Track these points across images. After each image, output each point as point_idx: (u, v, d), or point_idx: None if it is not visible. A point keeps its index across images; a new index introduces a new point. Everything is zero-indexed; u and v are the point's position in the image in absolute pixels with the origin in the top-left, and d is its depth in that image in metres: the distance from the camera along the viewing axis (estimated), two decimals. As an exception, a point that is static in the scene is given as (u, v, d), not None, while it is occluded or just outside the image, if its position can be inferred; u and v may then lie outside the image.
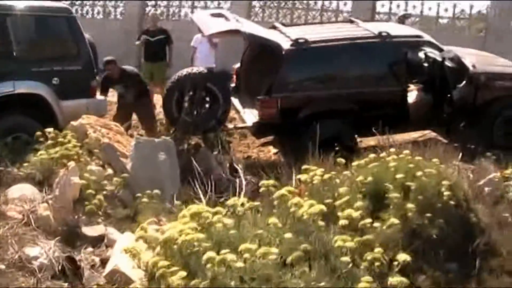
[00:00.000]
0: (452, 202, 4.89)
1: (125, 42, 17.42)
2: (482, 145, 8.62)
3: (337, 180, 5.20)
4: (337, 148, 8.16)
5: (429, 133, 10.27)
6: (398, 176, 4.89)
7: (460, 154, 7.32)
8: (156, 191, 5.96)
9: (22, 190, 5.80)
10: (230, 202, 4.57)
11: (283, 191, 4.51)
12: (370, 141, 9.29)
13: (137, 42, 13.05)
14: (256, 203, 4.58)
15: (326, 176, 5.11)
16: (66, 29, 8.60)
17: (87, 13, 18.57)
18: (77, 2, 18.65)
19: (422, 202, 4.70)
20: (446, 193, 4.80)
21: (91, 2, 18.55)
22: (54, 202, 5.68)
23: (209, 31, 9.17)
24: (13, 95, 8.19)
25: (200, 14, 10.38)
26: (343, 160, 5.75)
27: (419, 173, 4.85)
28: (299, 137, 8.66)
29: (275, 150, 10.20)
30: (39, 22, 8.57)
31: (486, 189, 6.13)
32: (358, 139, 9.25)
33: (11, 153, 7.26)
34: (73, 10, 17.46)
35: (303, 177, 5.10)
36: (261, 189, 4.92)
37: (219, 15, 9.63)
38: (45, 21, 8.57)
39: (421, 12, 14.98)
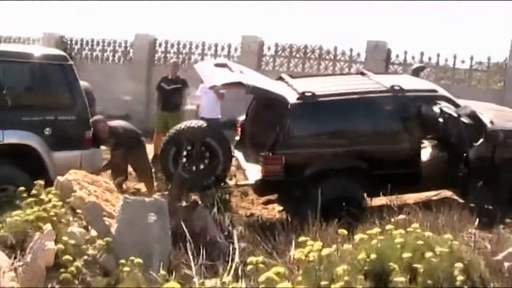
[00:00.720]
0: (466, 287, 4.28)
1: (133, 87, 17.22)
2: (500, 206, 8.02)
3: (336, 256, 4.61)
4: (344, 209, 7.80)
5: (443, 192, 9.71)
6: (405, 255, 4.31)
7: (477, 220, 6.80)
8: (138, 260, 5.39)
9: (-14, 257, 5.28)
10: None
11: (271, 273, 3.94)
12: (380, 199, 8.78)
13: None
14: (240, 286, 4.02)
15: (325, 251, 4.53)
16: (61, 77, 8.23)
17: (96, 58, 18.40)
18: (87, 47, 18.53)
19: (432, 287, 4.10)
20: (459, 277, 4.20)
21: (100, 47, 18.38)
22: (24, 270, 5.15)
23: (211, 83, 8.73)
24: (2, 145, 7.76)
25: (203, 64, 9.98)
26: (345, 232, 5.18)
27: (428, 254, 4.25)
28: (304, 197, 8.13)
29: (280, 208, 9.66)
30: (33, 69, 8.19)
31: (506, 264, 5.53)
32: (367, 199, 8.66)
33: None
34: (72, 58, 17.51)
35: (297, 254, 4.52)
36: (249, 267, 4.36)
37: (223, 65, 9.21)
38: (39, 68, 8.18)
39: (437, 63, 14.50)
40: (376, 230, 4.80)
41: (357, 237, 4.89)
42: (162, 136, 11.72)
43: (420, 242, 4.48)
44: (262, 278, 3.95)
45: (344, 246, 4.94)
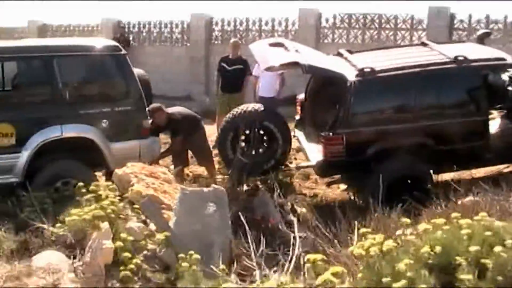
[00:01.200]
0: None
1: (191, 68, 17.21)
2: None
3: (399, 249, 4.37)
4: (409, 189, 7.54)
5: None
6: (472, 248, 4.04)
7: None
8: (196, 256, 5.30)
9: (48, 258, 5.26)
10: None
11: (328, 274, 3.75)
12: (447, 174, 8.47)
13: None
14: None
15: (386, 246, 4.30)
16: (115, 68, 8.15)
17: (154, 40, 18.44)
18: (144, 30, 18.59)
19: (503, 284, 3.82)
20: (533, 274, 3.90)
21: (158, 29, 18.39)
22: (84, 270, 5.14)
23: (266, 64, 8.51)
24: (61, 139, 7.79)
25: (257, 44, 9.73)
26: (408, 221, 4.95)
27: (497, 248, 3.95)
28: (368, 176, 7.89)
29: (344, 186, 9.44)
30: (87, 61, 8.13)
31: None
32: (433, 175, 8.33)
33: (56, 203, 6.86)
34: (129, 42, 17.56)
35: (357, 250, 4.30)
36: (307, 265, 4.19)
37: (278, 45, 8.98)
38: (93, 60, 8.11)
39: (505, 26, 13.78)
40: (441, 220, 4.52)
41: (421, 227, 4.63)
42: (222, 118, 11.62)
43: (488, 233, 4.19)
44: (319, 280, 3.78)
45: (408, 236, 4.68)
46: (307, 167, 8.88)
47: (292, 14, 16.18)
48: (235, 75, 11.98)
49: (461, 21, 14.09)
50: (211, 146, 9.87)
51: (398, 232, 5.23)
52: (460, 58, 8.30)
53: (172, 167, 9.33)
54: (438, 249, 4.19)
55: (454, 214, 4.68)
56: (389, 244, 4.32)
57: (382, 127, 8.18)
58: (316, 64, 8.25)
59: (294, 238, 5.98)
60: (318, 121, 9.13)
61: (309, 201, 8.99)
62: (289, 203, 8.01)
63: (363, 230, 4.71)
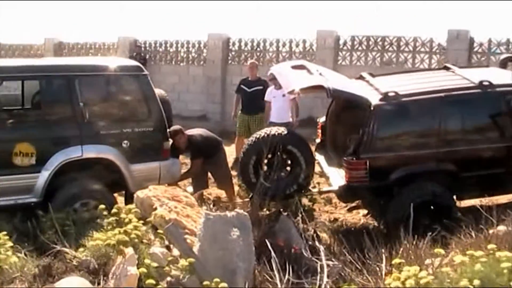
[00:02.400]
0: None
1: (207, 88, 17.19)
2: None
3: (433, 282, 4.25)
4: (432, 215, 7.41)
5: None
6: (514, 283, 3.91)
7: None
8: (223, 284, 5.18)
9: (71, 284, 5.13)
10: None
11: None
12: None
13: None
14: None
15: (423, 279, 4.16)
16: (136, 88, 8.12)
17: (171, 59, 18.42)
18: (161, 49, 18.58)
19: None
20: None
21: (174, 48, 18.38)
22: (108, 297, 5.02)
23: (290, 87, 8.41)
24: (81, 160, 7.71)
25: (280, 67, 9.63)
26: (441, 251, 4.81)
27: (541, 284, 3.83)
28: (391, 202, 7.78)
29: (364, 212, 9.32)
30: (108, 82, 8.10)
31: None
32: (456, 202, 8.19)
33: (76, 225, 6.74)
34: (146, 61, 17.56)
35: (394, 283, 4.17)
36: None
37: (300, 67, 8.88)
38: (115, 80, 8.09)
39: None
40: (479, 252, 4.39)
41: (457, 258, 4.50)
42: (243, 139, 11.53)
43: (530, 267, 4.06)
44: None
45: (443, 268, 4.55)
46: (329, 191, 8.74)
47: (310, 35, 16.16)
48: (255, 96, 11.96)
49: (481, 44, 13.98)
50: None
51: (427, 261, 5.10)
52: (485, 83, 8.20)
53: (189, 188, 9.24)
54: (476, 282, 4.07)
55: (490, 246, 4.55)
56: (426, 276, 4.19)
57: (405, 152, 8.06)
58: (340, 88, 8.15)
59: (321, 266, 5.85)
60: (339, 144, 9.02)
61: (329, 225, 8.88)
62: (311, 228, 7.91)
63: (396, 260, 4.57)
